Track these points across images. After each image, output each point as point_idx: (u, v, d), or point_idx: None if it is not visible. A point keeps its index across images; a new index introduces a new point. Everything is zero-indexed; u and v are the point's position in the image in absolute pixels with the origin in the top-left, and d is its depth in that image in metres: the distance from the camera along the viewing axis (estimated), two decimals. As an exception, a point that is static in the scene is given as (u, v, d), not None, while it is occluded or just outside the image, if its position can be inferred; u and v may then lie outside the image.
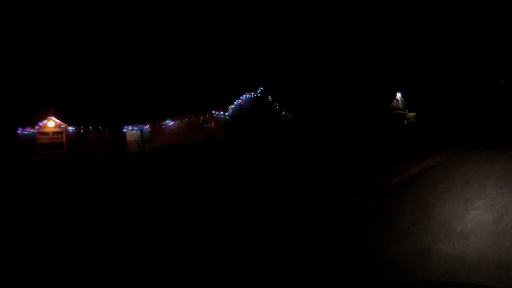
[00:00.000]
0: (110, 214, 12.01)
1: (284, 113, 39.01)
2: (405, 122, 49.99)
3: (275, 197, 13.17)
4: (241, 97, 35.57)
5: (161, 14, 44.60)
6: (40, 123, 37.68)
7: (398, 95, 49.88)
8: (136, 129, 41.86)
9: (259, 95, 37.07)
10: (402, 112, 50.42)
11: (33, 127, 37.25)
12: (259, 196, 13.34)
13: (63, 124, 38.46)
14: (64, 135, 38.83)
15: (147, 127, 41.45)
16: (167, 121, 38.61)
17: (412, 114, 50.73)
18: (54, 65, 38.44)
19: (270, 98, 38.06)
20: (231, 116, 34.24)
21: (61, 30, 37.58)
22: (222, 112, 33.86)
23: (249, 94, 36.26)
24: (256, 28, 47.81)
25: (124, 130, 40.81)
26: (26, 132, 36.97)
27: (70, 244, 9.08)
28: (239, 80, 38.85)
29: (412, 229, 8.43)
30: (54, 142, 38.53)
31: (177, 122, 37.81)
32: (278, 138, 32.99)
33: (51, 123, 38.19)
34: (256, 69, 41.75)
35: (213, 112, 34.21)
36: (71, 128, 38.59)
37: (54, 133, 38.63)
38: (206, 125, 35.19)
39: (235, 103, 34.88)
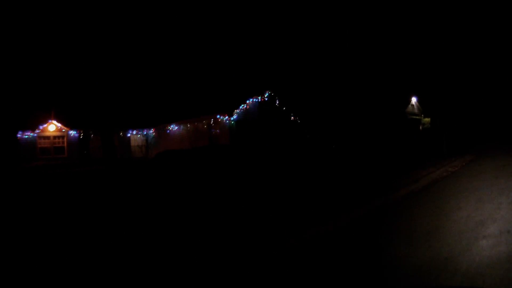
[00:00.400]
0: (107, 221, 11.34)
1: (293, 118, 37.66)
2: (420, 127, 48.42)
3: (275, 208, 11.93)
4: (247, 102, 34.32)
5: (167, 17, 43.58)
6: (41, 127, 36.85)
7: (414, 100, 48.31)
8: (141, 134, 40.80)
9: (266, 99, 35.77)
10: (417, 117, 48.84)
11: (33, 131, 36.40)
12: (259, 208, 12.08)
13: (65, 128, 37.59)
14: (65, 139, 37.93)
15: (151, 131, 40.39)
16: (171, 126, 37.54)
17: (427, 119, 49.12)
18: (55, 68, 37.60)
19: (277, 103, 36.74)
20: (236, 121, 33.07)
21: (64, 33, 36.66)
22: (227, 117, 32.70)
23: (255, 98, 34.99)
24: (264, 31, 46.53)
25: (129, 135, 39.96)
26: (26, 136, 36.13)
27: (63, 249, 8.74)
28: (245, 84, 37.63)
29: (405, 267, 6.93)
30: (55, 147, 37.68)
31: (181, 127, 36.73)
32: (286, 144, 31.67)
33: (52, 127, 37.32)
34: (263, 73, 40.47)
35: (218, 116, 33.09)
36: (72, 132, 37.66)
37: (55, 137, 37.78)
38: (212, 130, 34.06)
39: (240, 107, 33.67)
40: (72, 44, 36.56)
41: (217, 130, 33.72)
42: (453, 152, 25.67)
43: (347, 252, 8.31)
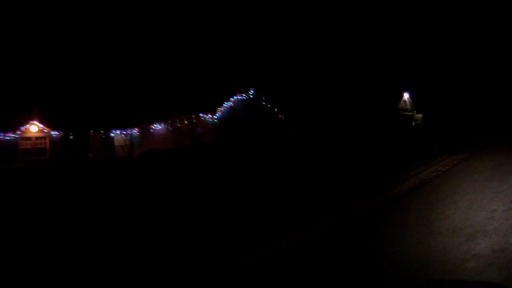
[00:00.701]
0: (82, 223, 11.07)
1: (280, 116, 36.16)
2: (413, 124, 46.91)
3: (257, 211, 11.30)
4: (231, 99, 32.93)
5: (149, 16, 42.39)
6: (22, 128, 35.62)
7: (406, 95, 46.83)
8: (125, 134, 39.48)
9: (251, 96, 34.34)
10: (410, 113, 47.35)
11: (14, 132, 35.11)
12: (241, 211, 11.42)
13: (47, 128, 36.39)
14: (47, 140, 36.74)
15: (135, 131, 39.02)
16: (155, 125, 36.18)
17: (420, 115, 47.59)
18: (37, 68, 36.43)
19: (263, 100, 35.25)
20: (220, 119, 31.76)
21: (44, 33, 35.45)
22: (210, 115, 31.33)
23: (240, 96, 33.58)
24: (249, 26, 44.99)
25: (112, 135, 38.65)
26: (8, 138, 34.81)
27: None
28: (229, 81, 36.17)
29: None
30: (37, 148, 36.52)
31: (165, 126, 35.44)
32: (272, 142, 30.24)
33: (34, 127, 36.08)
34: (249, 69, 39.01)
35: (201, 115, 31.76)
36: (55, 133, 36.41)
37: (37, 138, 36.58)
38: (198, 129, 32.73)
39: (224, 105, 32.32)
40: (53, 43, 35.38)
41: (201, 129, 32.40)
42: (445, 149, 24.05)
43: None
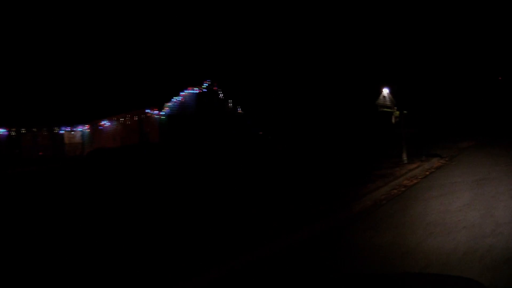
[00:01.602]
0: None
1: (240, 112, 31.66)
2: (393, 121, 42.59)
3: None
4: (182, 93, 28.63)
5: (97, 6, 39.10)
6: (-36, 126, 31.91)
7: (386, 90, 42.43)
8: (75, 131, 35.42)
9: (205, 90, 29.93)
10: (390, 110, 43.02)
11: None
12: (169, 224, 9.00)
13: None
14: None
15: (86, 128, 34.95)
16: (103, 122, 32.19)
17: (398, 112, 43.38)
18: None
19: (220, 94, 30.82)
20: (169, 115, 27.85)
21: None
22: (157, 112, 27.23)
23: (192, 90, 29.24)
24: (202, 14, 40.86)
25: (62, 132, 34.72)
26: None
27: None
28: (180, 74, 31.97)
29: None
30: None
31: (113, 123, 31.66)
32: (225, 142, 26.15)
33: None
34: (202, 60, 34.67)
35: (147, 111, 27.67)
36: (1, 131, 32.44)
37: None
38: (144, 127, 28.76)
39: (173, 100, 28.14)
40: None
41: (148, 127, 28.43)
42: (420, 152, 19.61)
43: None
